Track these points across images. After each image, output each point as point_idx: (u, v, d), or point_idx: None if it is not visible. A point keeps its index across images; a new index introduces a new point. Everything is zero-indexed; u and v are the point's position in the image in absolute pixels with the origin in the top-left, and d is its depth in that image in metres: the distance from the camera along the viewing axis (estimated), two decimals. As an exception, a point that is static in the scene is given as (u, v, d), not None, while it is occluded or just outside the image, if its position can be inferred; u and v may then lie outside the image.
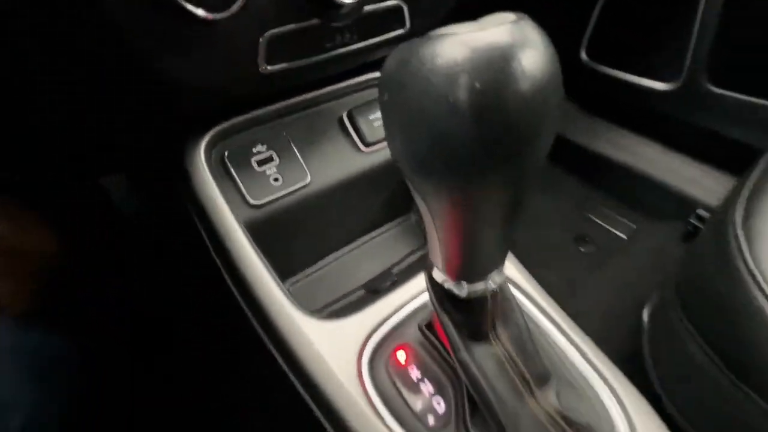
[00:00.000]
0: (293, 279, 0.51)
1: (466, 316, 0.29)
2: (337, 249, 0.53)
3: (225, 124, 0.44)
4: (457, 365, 0.30)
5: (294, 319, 0.37)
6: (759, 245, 0.34)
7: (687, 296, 0.39)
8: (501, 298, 0.30)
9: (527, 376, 0.31)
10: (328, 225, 0.50)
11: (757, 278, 0.32)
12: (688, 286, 0.40)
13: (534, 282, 0.41)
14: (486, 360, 0.31)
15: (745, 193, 0.39)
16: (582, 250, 0.87)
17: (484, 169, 0.20)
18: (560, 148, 1.01)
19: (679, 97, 0.73)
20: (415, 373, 0.35)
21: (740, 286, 0.32)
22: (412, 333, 0.37)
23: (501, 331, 0.31)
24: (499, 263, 0.27)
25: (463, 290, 0.27)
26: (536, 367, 0.31)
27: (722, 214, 0.38)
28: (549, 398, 0.31)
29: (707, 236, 0.40)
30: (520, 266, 0.42)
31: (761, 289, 0.31)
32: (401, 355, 0.36)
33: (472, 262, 0.26)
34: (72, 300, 0.57)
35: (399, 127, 0.21)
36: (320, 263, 0.52)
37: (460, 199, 0.22)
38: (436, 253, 0.27)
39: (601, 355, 0.36)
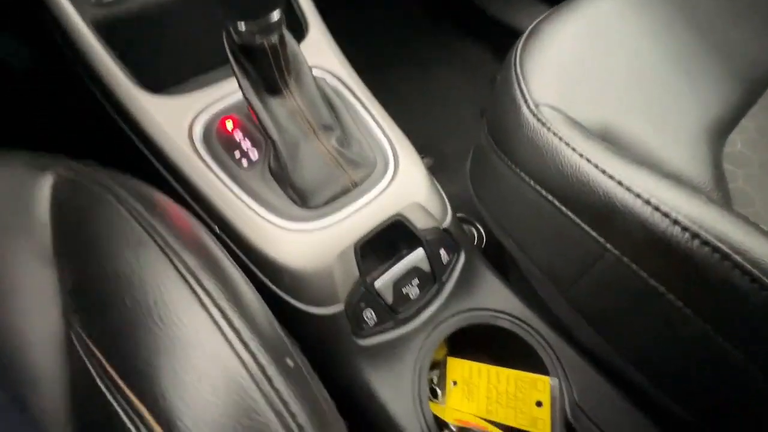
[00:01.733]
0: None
1: (258, 70, 0.36)
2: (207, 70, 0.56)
3: None
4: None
5: (134, 95, 0.43)
6: (530, 75, 0.43)
7: (490, 117, 0.49)
8: (291, 57, 0.37)
9: (313, 123, 0.40)
10: (189, 39, 0.52)
11: (526, 98, 0.41)
12: (489, 111, 0.49)
13: (354, 75, 0.49)
14: (278, 109, 0.39)
15: (527, 34, 0.47)
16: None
17: None
18: (478, 23, 1.01)
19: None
20: (238, 135, 0.43)
21: (515, 104, 0.41)
22: (243, 109, 0.45)
23: (294, 88, 0.39)
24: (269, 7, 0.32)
25: (242, 30, 0.33)
26: (322, 118, 0.41)
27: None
28: (330, 141, 0.41)
29: (500, 73, 0.48)
30: (346, 63, 0.49)
31: (528, 106, 0.41)
32: (229, 124, 0.44)
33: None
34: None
35: None
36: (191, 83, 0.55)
37: None
38: None
39: (396, 129, 0.46)
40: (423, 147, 0.89)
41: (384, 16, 1.05)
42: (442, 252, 0.42)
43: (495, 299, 0.43)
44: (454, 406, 0.45)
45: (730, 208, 0.35)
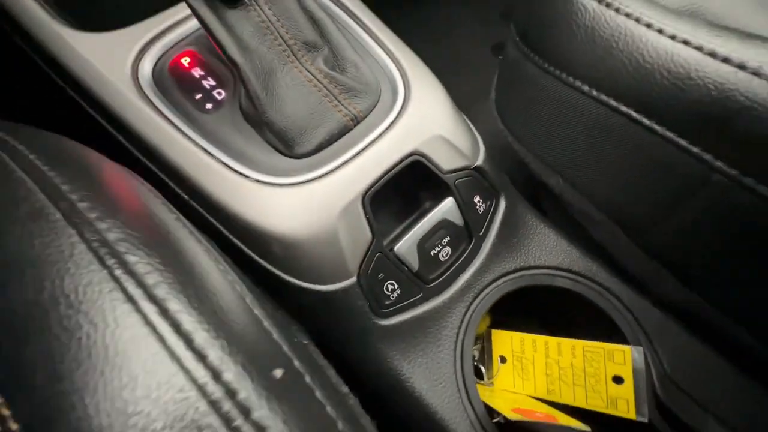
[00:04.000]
0: None
1: None
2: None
3: None
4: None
5: (58, 34, 0.33)
6: None
7: (520, 18, 0.38)
8: None
9: (289, 40, 0.30)
10: None
11: None
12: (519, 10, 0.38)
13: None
14: (241, 23, 0.29)
15: None
16: (500, 58, 0.84)
17: None
18: None
19: None
20: (198, 73, 0.33)
21: None
22: (203, 41, 0.35)
23: (259, -6, 0.28)
24: None
25: None
26: (302, 34, 0.30)
27: None
28: (316, 63, 0.31)
29: None
30: None
31: None
32: (185, 60, 0.34)
33: None
34: None
35: None
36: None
37: None
38: None
39: (404, 47, 0.36)
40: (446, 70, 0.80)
41: None
42: (477, 199, 0.33)
43: (549, 254, 0.33)
44: (503, 388, 0.37)
45: None
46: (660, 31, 0.25)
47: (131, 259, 0.16)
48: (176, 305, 0.15)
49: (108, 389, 0.14)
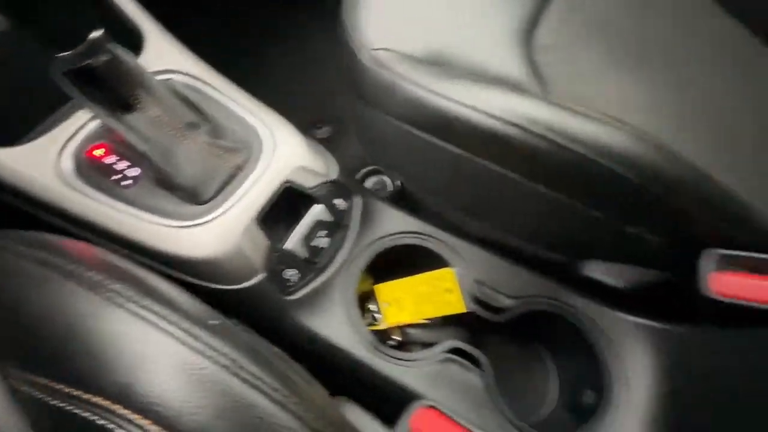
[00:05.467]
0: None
1: (103, 92, 0.38)
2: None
3: None
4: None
5: None
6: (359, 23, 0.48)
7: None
8: (129, 71, 0.39)
9: (177, 126, 0.43)
10: (29, 82, 0.50)
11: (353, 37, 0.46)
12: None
13: (204, 65, 0.51)
14: (139, 122, 0.41)
15: None
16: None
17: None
18: None
19: None
20: (110, 160, 0.45)
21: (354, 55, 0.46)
22: (107, 134, 0.46)
23: (145, 99, 0.41)
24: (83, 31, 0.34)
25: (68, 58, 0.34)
26: (184, 118, 0.43)
27: None
28: (201, 136, 0.44)
29: None
30: (193, 56, 0.51)
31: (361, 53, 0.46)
32: (98, 152, 0.45)
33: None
34: None
35: None
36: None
37: None
38: None
39: (262, 106, 0.50)
40: (317, 118, 0.92)
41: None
42: (337, 201, 0.48)
43: (394, 224, 0.50)
44: (392, 323, 0.53)
45: (545, 93, 0.44)
46: (412, 81, 0.42)
47: (112, 285, 0.28)
48: (147, 301, 0.28)
49: (128, 354, 0.26)
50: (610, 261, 0.49)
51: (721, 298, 0.36)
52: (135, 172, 0.44)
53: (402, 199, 0.64)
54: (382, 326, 0.53)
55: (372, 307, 0.54)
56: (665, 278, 0.47)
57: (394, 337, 0.52)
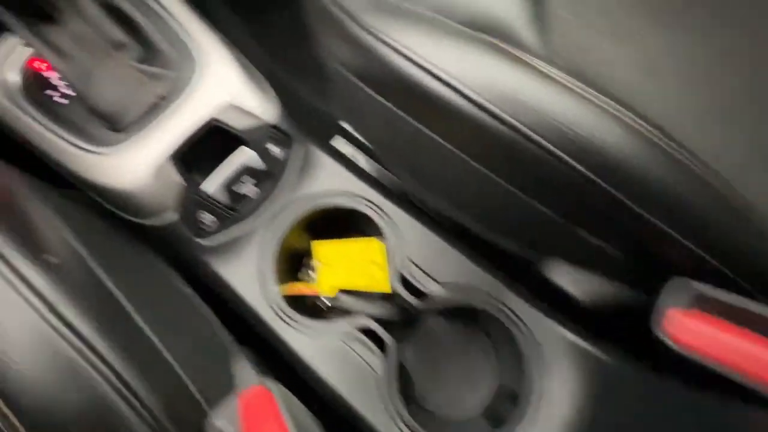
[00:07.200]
0: None
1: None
2: None
3: None
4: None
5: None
6: None
7: None
8: None
9: (102, 44, 0.40)
10: None
11: None
12: None
13: None
14: (59, 37, 0.39)
15: None
16: None
17: None
18: None
19: None
20: (50, 74, 0.44)
21: None
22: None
23: (69, 11, 0.38)
24: None
25: None
26: (112, 37, 0.40)
27: None
28: (125, 59, 0.41)
29: None
30: None
31: None
32: (38, 64, 0.44)
33: None
34: None
35: None
36: None
37: None
38: None
39: (202, 28, 0.45)
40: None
41: None
42: (271, 147, 0.44)
43: (335, 182, 0.45)
44: (324, 286, 0.50)
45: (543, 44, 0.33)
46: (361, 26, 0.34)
47: None
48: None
49: None
50: (571, 263, 0.40)
51: (672, 344, 0.28)
52: (71, 90, 0.43)
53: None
54: (313, 285, 0.50)
55: (312, 263, 0.51)
56: (628, 296, 0.38)
57: (323, 299, 0.49)
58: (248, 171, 0.43)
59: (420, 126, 0.37)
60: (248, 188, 0.44)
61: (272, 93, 0.46)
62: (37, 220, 0.31)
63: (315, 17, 0.40)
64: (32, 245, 0.28)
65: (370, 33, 0.35)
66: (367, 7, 0.36)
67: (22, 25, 0.37)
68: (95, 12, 0.40)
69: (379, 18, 0.35)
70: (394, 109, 0.38)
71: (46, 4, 0.37)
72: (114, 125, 0.40)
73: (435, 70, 0.33)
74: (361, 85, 0.39)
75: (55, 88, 0.43)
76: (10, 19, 0.37)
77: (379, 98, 0.38)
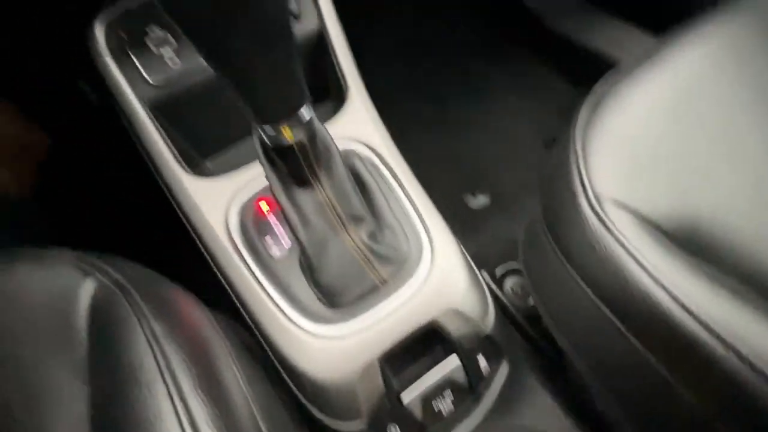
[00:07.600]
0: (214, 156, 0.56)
1: (286, 164, 0.35)
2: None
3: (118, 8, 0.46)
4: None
5: (176, 175, 0.44)
6: (592, 159, 0.36)
7: (544, 201, 0.41)
8: (321, 149, 0.35)
9: (342, 216, 0.38)
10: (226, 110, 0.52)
11: (587, 190, 0.35)
12: (543, 191, 0.43)
13: (392, 147, 0.46)
14: (306, 202, 0.37)
15: (591, 101, 0.40)
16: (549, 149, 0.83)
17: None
18: (546, 43, 0.92)
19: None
20: (272, 219, 0.42)
21: (573, 196, 0.36)
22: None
23: (324, 179, 0.37)
24: (294, 106, 0.30)
25: (271, 134, 0.32)
26: (351, 210, 0.38)
27: (567, 126, 0.40)
28: (360, 235, 0.38)
29: (556, 148, 0.41)
30: (384, 133, 0.46)
31: (588, 200, 0.34)
32: (264, 205, 0.43)
33: (263, 105, 0.30)
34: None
35: None
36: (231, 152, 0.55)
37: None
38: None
39: (434, 212, 0.42)
40: (478, 182, 0.82)
41: (444, 38, 1.00)
42: (481, 359, 0.37)
43: (544, 420, 0.37)
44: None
45: None
46: (642, 267, 0.29)
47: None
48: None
49: None
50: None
51: None
52: (288, 242, 0.41)
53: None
54: None
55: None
56: None
57: None
58: (449, 384, 0.37)
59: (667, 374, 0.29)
60: (445, 404, 0.37)
61: (489, 298, 0.41)
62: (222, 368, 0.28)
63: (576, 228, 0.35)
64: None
65: (663, 287, 0.29)
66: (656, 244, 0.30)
67: (280, 184, 0.36)
68: (345, 182, 0.39)
69: (674, 271, 0.29)
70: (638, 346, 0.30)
71: (311, 174, 0.37)
72: (330, 301, 0.37)
73: (750, 357, 0.25)
74: (621, 327, 0.32)
75: (274, 236, 0.42)
76: (272, 176, 0.36)
77: (642, 348, 0.31)
